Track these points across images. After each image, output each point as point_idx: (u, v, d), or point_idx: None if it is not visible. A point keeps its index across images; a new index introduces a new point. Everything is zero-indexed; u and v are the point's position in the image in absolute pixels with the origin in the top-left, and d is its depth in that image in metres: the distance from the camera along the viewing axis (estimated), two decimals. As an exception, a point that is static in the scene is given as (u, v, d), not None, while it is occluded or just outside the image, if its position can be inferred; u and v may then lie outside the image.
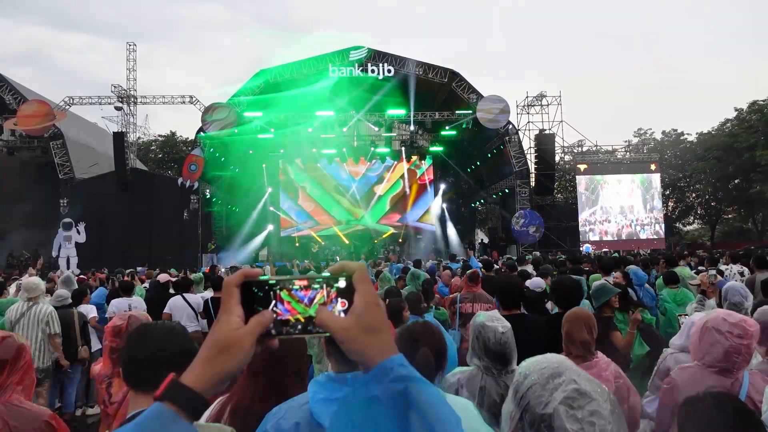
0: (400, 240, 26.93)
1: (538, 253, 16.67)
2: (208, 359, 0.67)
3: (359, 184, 26.10)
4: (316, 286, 0.72)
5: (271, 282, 0.72)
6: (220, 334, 0.68)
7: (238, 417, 1.50)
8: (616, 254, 16.41)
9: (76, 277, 8.75)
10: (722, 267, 7.84)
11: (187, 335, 1.60)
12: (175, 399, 0.63)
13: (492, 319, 2.38)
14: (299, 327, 0.70)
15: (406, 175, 26.24)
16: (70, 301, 6.05)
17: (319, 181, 26.06)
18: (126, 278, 8.56)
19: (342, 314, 0.71)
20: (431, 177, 26.59)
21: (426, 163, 26.59)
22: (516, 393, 1.20)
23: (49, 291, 6.90)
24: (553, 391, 1.12)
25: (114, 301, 6.54)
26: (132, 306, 6.48)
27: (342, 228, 25.89)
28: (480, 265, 8.19)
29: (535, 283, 5.45)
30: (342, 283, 0.72)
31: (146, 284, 9.36)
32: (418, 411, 0.65)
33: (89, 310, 6.40)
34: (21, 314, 5.08)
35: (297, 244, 25.96)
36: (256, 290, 0.71)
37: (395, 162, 26.16)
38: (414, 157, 26.28)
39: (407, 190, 26.24)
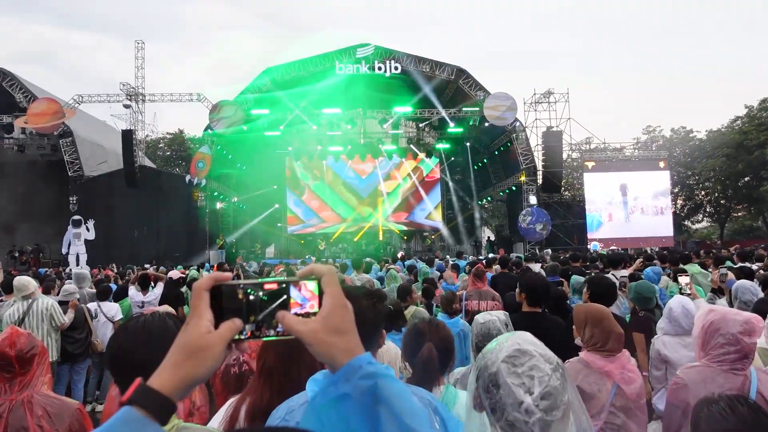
0: (405, 238, 26.92)
1: (549, 251, 16.64)
2: (176, 363, 0.66)
3: (367, 182, 26.06)
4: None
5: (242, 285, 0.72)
6: (190, 338, 0.67)
7: (257, 419, 1.45)
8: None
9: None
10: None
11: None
12: (143, 403, 0.62)
13: (490, 314, 2.44)
14: (269, 330, 0.71)
15: (412, 173, 26.19)
16: (78, 296, 6.09)
17: (326, 179, 26.05)
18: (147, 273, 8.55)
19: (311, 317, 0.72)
20: (438, 174, 26.51)
21: (432, 161, 26.51)
22: (475, 366, 1.25)
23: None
24: (499, 352, 1.18)
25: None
26: (144, 303, 6.52)
27: (348, 226, 25.88)
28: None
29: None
30: (311, 286, 0.73)
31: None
32: (386, 405, 0.67)
33: (116, 311, 6.45)
34: (23, 313, 5.09)
35: (302, 242, 26.03)
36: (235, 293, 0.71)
37: (402, 159, 26.11)
38: (420, 155, 26.21)
39: (414, 187, 26.18)
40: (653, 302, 4.16)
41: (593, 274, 5.29)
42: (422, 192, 26.37)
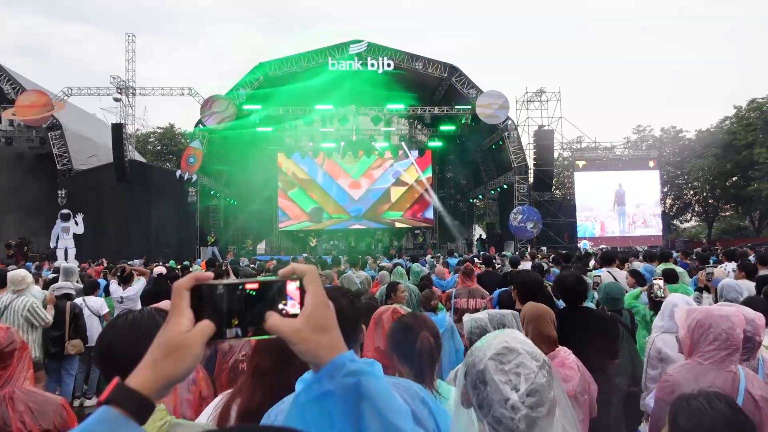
0: (395, 237, 26.93)
1: (545, 249, 16.75)
2: (154, 362, 0.66)
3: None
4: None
5: (221, 285, 0.72)
6: (169, 337, 0.67)
7: (248, 420, 1.44)
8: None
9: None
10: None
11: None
12: (121, 403, 0.62)
13: (488, 313, 2.49)
14: (250, 330, 0.71)
15: (410, 176, 26.15)
16: (64, 292, 6.04)
17: (317, 176, 25.93)
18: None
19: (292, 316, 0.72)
20: (429, 172, 26.53)
21: (424, 159, 26.49)
22: (464, 363, 1.27)
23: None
24: (487, 350, 1.20)
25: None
26: (124, 298, 6.50)
27: (339, 222, 25.81)
28: None
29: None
30: (293, 285, 0.73)
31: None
32: (369, 402, 0.68)
33: (101, 305, 6.42)
34: (5, 306, 5.03)
35: (295, 238, 25.94)
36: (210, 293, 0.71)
37: (394, 158, 26.05)
38: (412, 152, 26.18)
39: (407, 185, 26.17)
40: (621, 303, 4.21)
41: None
42: (414, 189, 26.33)
